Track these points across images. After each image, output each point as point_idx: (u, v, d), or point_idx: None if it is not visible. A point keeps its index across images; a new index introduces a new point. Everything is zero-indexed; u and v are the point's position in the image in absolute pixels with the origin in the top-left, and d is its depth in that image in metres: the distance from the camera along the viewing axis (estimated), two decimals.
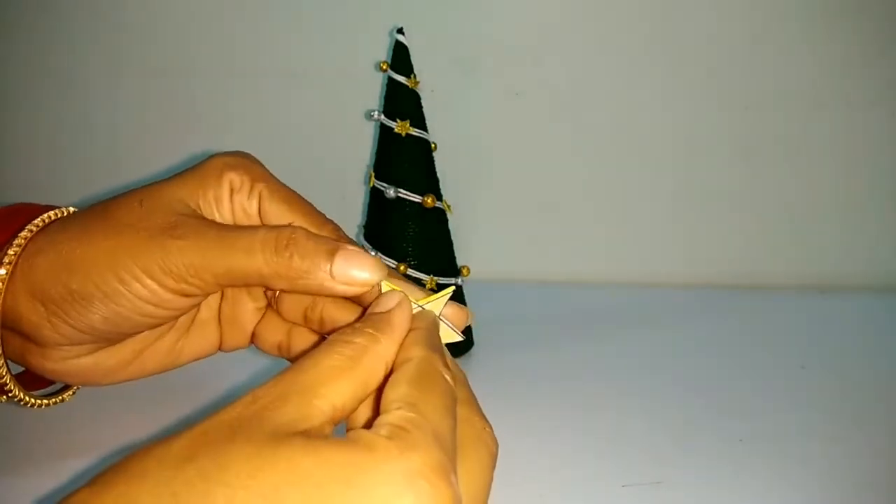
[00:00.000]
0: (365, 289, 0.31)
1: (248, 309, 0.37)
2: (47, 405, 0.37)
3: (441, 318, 0.31)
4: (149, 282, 0.31)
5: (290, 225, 0.33)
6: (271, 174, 0.35)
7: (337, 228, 0.35)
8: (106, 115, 0.70)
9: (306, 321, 0.35)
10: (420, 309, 0.31)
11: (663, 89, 0.65)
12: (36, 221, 0.34)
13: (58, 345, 0.34)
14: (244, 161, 0.35)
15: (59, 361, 0.34)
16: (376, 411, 0.25)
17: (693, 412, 0.44)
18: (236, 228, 0.32)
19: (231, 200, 0.34)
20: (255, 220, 0.34)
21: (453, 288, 0.32)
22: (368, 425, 0.24)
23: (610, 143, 0.67)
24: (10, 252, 0.33)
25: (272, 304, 0.37)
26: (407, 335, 0.28)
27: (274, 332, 0.37)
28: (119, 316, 0.32)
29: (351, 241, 0.33)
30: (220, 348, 0.38)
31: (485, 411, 0.44)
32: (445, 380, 0.27)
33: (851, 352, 0.53)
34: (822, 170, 0.66)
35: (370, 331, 0.27)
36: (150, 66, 0.68)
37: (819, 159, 0.66)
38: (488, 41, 0.66)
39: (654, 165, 0.67)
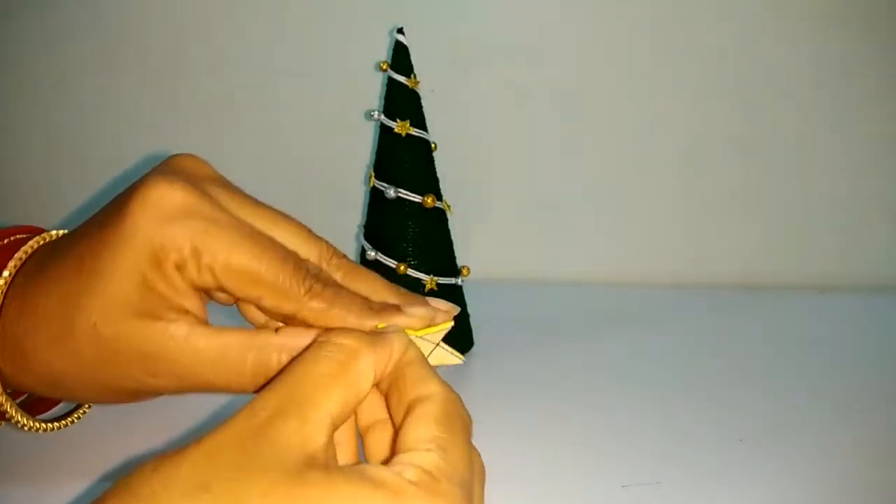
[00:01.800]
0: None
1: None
2: (51, 430, 0.36)
3: (441, 344, 0.32)
4: (138, 384, 0.31)
5: (276, 346, 0.29)
6: (216, 211, 0.29)
7: (309, 279, 0.30)
8: (106, 114, 0.70)
9: None
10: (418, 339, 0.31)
11: (663, 89, 0.65)
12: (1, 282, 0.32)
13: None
14: (178, 225, 0.29)
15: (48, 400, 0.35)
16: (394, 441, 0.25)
17: (693, 412, 0.44)
18: (219, 352, 0.29)
19: (182, 279, 0.29)
20: (218, 287, 0.30)
21: (451, 324, 0.32)
22: (387, 460, 0.24)
23: (610, 143, 0.67)
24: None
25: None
26: (412, 368, 0.27)
27: None
28: (116, 400, 0.33)
29: (333, 253, 0.32)
30: None
31: (484, 411, 0.44)
32: (468, 419, 0.26)
33: (851, 352, 0.53)
34: (822, 170, 0.66)
35: (357, 332, 0.27)
36: (149, 66, 0.68)
37: (819, 159, 0.66)
38: (488, 41, 0.65)
39: (654, 165, 0.67)
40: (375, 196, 0.51)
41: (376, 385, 0.27)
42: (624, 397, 0.46)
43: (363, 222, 0.52)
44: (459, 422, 0.26)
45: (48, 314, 0.30)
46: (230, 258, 0.29)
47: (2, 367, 0.32)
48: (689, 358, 0.52)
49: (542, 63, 0.66)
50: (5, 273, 0.31)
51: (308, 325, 0.30)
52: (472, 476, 0.25)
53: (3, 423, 0.34)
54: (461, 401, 0.27)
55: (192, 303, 0.30)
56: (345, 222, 0.66)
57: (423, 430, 0.24)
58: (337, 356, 0.25)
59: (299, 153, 0.69)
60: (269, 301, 0.29)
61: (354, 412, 0.27)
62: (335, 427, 0.24)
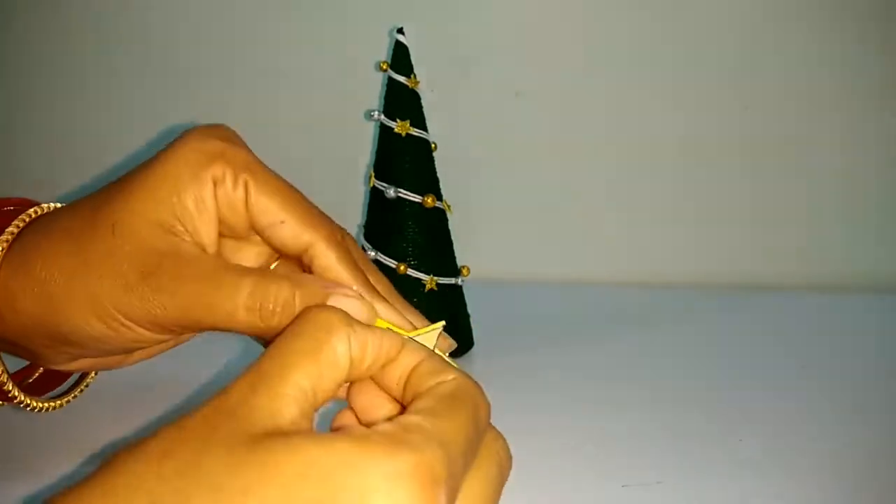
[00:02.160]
0: None
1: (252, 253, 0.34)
2: (53, 408, 0.36)
3: (435, 350, 0.31)
4: (134, 326, 0.31)
5: (281, 276, 0.30)
6: (257, 158, 0.32)
7: (329, 224, 0.32)
8: (105, 114, 0.70)
9: None
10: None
11: (663, 89, 0.65)
12: (5, 235, 0.33)
13: (59, 362, 0.34)
14: (224, 147, 0.31)
15: (65, 364, 0.35)
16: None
17: (693, 412, 0.44)
18: (219, 273, 0.30)
19: (215, 196, 0.31)
20: (242, 215, 0.31)
21: (443, 323, 0.32)
22: None
23: (610, 143, 0.67)
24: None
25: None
26: (428, 362, 0.26)
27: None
28: (109, 348, 0.33)
29: (344, 233, 0.33)
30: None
31: None
32: (481, 403, 0.25)
33: (851, 352, 0.53)
34: (822, 170, 0.66)
35: (336, 309, 0.25)
36: (149, 66, 0.68)
37: (819, 159, 0.66)
38: (488, 41, 0.66)
39: (654, 165, 0.67)
40: (375, 196, 0.51)
41: (378, 379, 0.26)
42: (624, 397, 0.46)
43: (363, 222, 0.52)
44: (467, 400, 0.25)
45: (69, 228, 0.32)
46: (267, 178, 0.31)
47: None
48: (689, 358, 0.52)
49: (542, 63, 0.66)
50: (10, 228, 0.33)
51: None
52: (468, 456, 0.23)
53: (3, 403, 0.35)
54: (480, 389, 0.26)
55: (208, 230, 0.31)
56: (345, 222, 0.66)
57: (423, 401, 0.24)
58: (312, 332, 0.24)
59: (299, 153, 0.69)
60: (291, 227, 0.31)
61: (338, 389, 0.25)
62: (312, 403, 0.23)
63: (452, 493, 0.22)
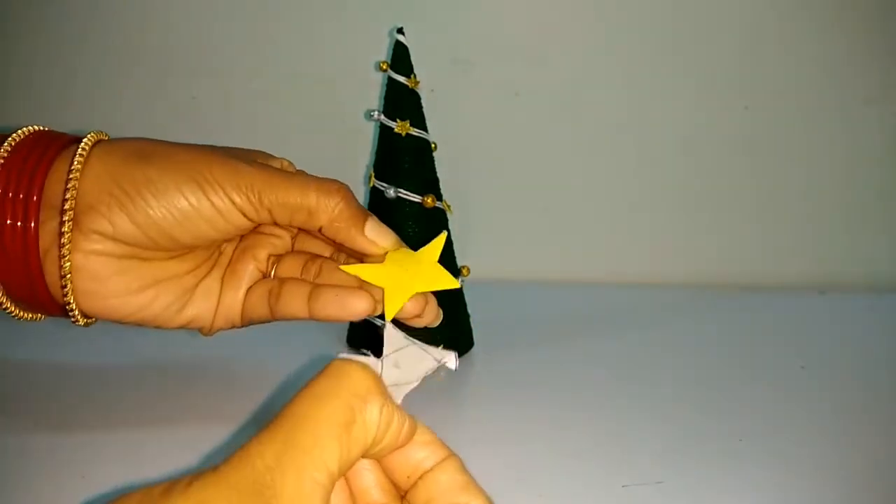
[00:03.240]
0: (380, 251, 0.37)
1: (249, 270, 0.40)
2: (39, 319, 0.38)
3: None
4: (220, 191, 0.35)
5: (337, 180, 0.37)
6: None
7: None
8: (105, 114, 0.70)
9: (303, 272, 0.40)
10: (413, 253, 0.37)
11: (663, 89, 0.65)
12: (94, 133, 0.37)
13: (101, 234, 0.35)
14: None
15: (89, 255, 0.35)
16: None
17: (693, 412, 0.44)
18: (294, 172, 0.38)
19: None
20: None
21: (444, 234, 0.38)
22: None
23: (610, 143, 0.67)
24: (86, 140, 0.36)
25: (267, 275, 0.40)
26: (452, 474, 0.26)
27: (266, 286, 0.39)
28: (181, 216, 0.35)
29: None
30: (213, 320, 0.39)
31: (484, 411, 0.44)
32: None
33: (851, 352, 0.53)
34: (821, 170, 0.66)
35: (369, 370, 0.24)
36: (150, 66, 0.68)
37: (819, 159, 0.66)
38: (488, 41, 0.66)
39: (654, 165, 0.67)
40: (375, 196, 0.51)
41: (386, 462, 0.25)
42: (624, 397, 0.46)
43: None
44: None
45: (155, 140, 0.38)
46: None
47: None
48: (689, 358, 0.52)
49: (542, 63, 0.66)
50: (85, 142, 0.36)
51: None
52: None
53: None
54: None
55: None
56: None
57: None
58: (347, 396, 0.23)
59: (299, 153, 0.69)
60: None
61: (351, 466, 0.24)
62: (334, 482, 0.22)
63: None
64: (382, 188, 0.50)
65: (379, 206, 0.50)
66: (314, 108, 0.68)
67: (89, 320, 0.37)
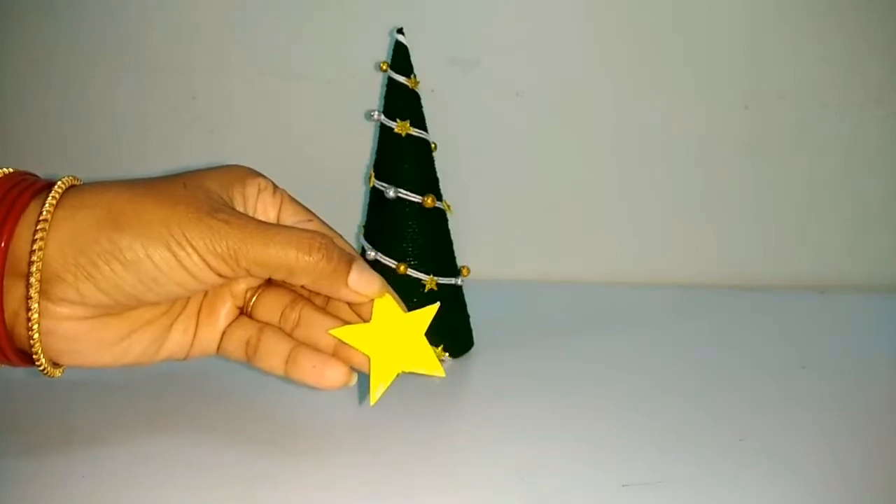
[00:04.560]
0: (367, 300, 0.37)
1: (227, 307, 0.39)
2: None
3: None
4: (194, 254, 0.34)
5: (317, 232, 0.36)
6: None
7: (345, 243, 0.39)
8: (105, 115, 0.70)
9: (281, 320, 0.39)
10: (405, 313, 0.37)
11: (663, 89, 0.66)
12: (65, 179, 0.35)
13: (68, 301, 0.34)
14: (263, 176, 0.39)
15: (60, 320, 0.34)
16: None
17: (693, 412, 0.44)
18: (272, 225, 0.36)
19: (256, 199, 0.38)
20: (273, 216, 0.39)
21: (437, 305, 0.37)
22: None
23: (610, 143, 0.67)
24: (50, 199, 0.34)
25: (245, 311, 0.40)
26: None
27: (244, 331, 0.39)
28: (152, 282, 0.34)
29: (358, 258, 0.38)
30: (188, 352, 0.39)
31: (484, 410, 0.44)
32: None
33: (851, 352, 0.53)
34: (821, 170, 0.66)
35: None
36: (150, 66, 0.68)
37: (819, 159, 0.66)
38: (488, 41, 0.66)
39: (654, 165, 0.67)
40: (375, 196, 0.51)
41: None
42: (624, 397, 0.46)
43: (363, 222, 0.52)
44: None
45: (131, 184, 0.36)
46: (294, 199, 0.40)
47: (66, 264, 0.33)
48: (689, 358, 0.52)
49: (542, 63, 0.66)
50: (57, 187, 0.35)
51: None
52: None
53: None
54: None
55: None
56: (345, 222, 0.66)
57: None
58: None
59: (300, 153, 0.69)
60: (315, 224, 0.40)
61: None
62: None
63: None
64: (382, 188, 0.50)
65: (379, 206, 0.51)
66: (314, 108, 0.68)
67: (60, 369, 0.36)
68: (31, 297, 0.33)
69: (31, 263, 0.33)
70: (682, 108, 0.66)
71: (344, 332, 0.37)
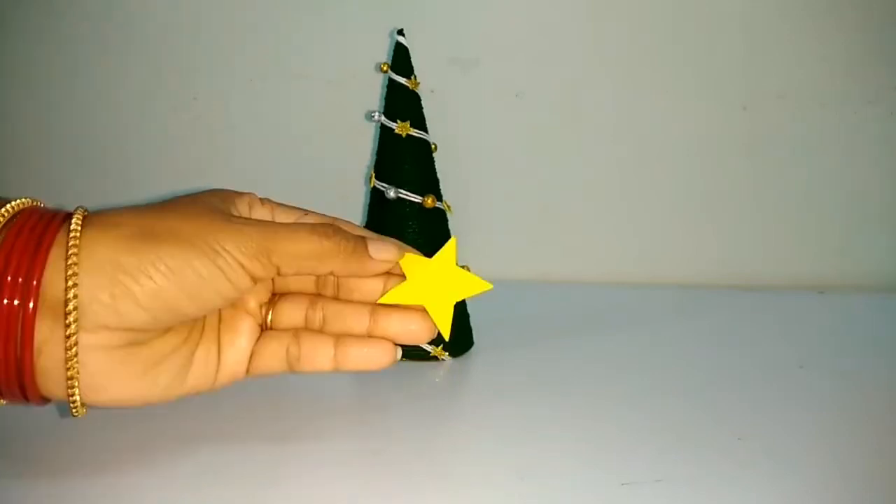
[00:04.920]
0: (392, 264, 0.38)
1: (247, 325, 0.39)
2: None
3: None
4: (230, 258, 0.34)
5: (321, 222, 0.38)
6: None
7: (347, 223, 0.40)
8: (106, 115, 0.70)
9: (307, 323, 0.40)
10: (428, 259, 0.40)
11: (663, 89, 0.66)
12: (80, 209, 0.35)
13: (105, 327, 0.33)
14: (248, 192, 0.40)
15: (90, 352, 0.33)
16: None
17: (693, 411, 0.44)
18: (285, 223, 0.37)
19: (250, 213, 0.38)
20: None
21: (455, 239, 0.40)
22: None
23: (610, 143, 0.67)
24: (73, 227, 0.33)
25: (265, 326, 0.40)
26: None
27: (279, 343, 0.39)
28: (194, 290, 0.34)
29: (364, 231, 0.39)
30: (215, 379, 0.38)
31: (484, 410, 0.44)
32: None
33: (851, 352, 0.53)
34: (821, 170, 0.66)
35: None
36: (150, 66, 0.69)
37: (818, 159, 0.66)
38: (488, 41, 0.66)
39: (654, 165, 0.67)
40: (376, 196, 0.51)
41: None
42: (624, 396, 0.46)
43: (363, 222, 0.52)
44: None
45: (140, 209, 0.36)
46: (284, 204, 0.40)
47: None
48: (689, 357, 0.52)
49: (542, 64, 0.66)
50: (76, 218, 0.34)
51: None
52: None
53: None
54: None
55: None
56: None
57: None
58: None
59: (300, 154, 0.69)
60: (313, 216, 0.40)
61: None
62: None
63: None
64: (383, 188, 0.50)
65: (379, 207, 0.51)
66: (314, 108, 0.68)
67: (85, 407, 0.35)
68: (69, 327, 0.32)
69: (67, 294, 0.32)
70: (681, 108, 0.66)
71: (391, 296, 0.39)
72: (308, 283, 0.41)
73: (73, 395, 0.34)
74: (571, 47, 0.65)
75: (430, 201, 0.50)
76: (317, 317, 0.40)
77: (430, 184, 0.51)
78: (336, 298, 0.40)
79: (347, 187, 0.68)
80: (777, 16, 0.64)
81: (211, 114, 0.69)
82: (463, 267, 0.52)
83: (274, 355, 0.39)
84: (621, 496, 0.35)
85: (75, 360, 0.33)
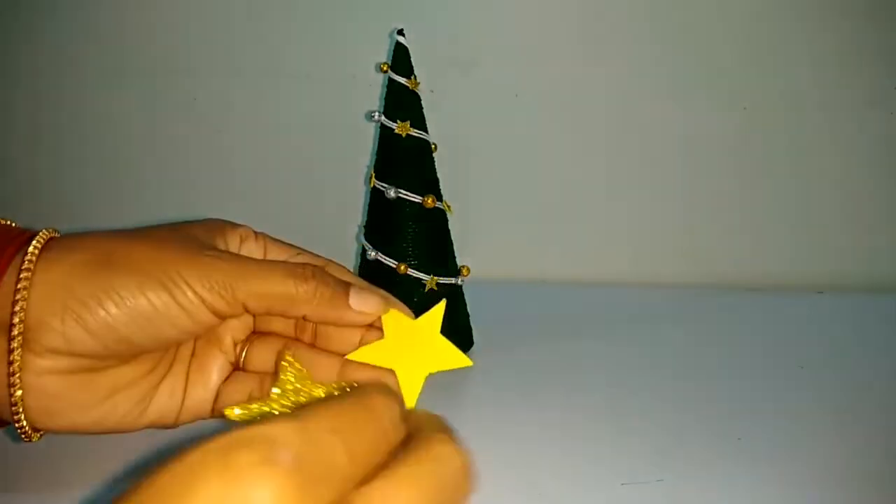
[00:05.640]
0: (373, 318, 0.36)
1: (219, 363, 0.38)
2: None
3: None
4: (189, 290, 0.33)
5: (308, 263, 0.36)
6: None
7: (340, 267, 0.38)
8: (106, 115, 0.70)
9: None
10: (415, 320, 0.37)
11: (663, 89, 0.66)
12: (45, 231, 0.34)
13: (52, 351, 0.32)
14: (243, 225, 0.39)
15: (41, 375, 0.32)
16: None
17: (693, 411, 0.44)
18: (263, 260, 0.36)
19: (240, 247, 0.37)
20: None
21: (444, 302, 0.37)
22: None
23: (609, 144, 0.67)
24: (32, 248, 0.33)
25: (238, 365, 0.38)
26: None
27: (244, 385, 0.37)
28: (146, 322, 0.32)
29: (355, 278, 0.37)
30: (178, 416, 0.37)
31: (483, 410, 0.44)
32: (384, 420, 0.22)
33: (851, 352, 0.53)
34: (821, 170, 0.66)
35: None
36: (150, 67, 0.69)
37: (819, 159, 0.66)
38: (488, 42, 0.66)
39: (654, 165, 0.67)
40: (376, 196, 0.51)
41: None
42: (624, 396, 0.46)
43: (364, 222, 0.52)
44: (357, 393, 0.22)
45: (115, 232, 0.35)
46: (279, 240, 0.39)
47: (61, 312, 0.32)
48: (688, 357, 0.52)
49: (541, 64, 0.66)
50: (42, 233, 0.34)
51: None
52: (350, 468, 0.20)
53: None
54: (385, 391, 0.23)
55: None
56: (345, 222, 0.66)
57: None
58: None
59: (301, 154, 0.69)
60: (305, 257, 0.38)
61: None
62: None
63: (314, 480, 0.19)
64: (383, 188, 0.50)
65: (379, 207, 0.51)
66: (314, 108, 0.68)
67: (39, 434, 0.35)
68: (13, 349, 0.31)
69: (13, 314, 0.31)
70: (681, 108, 0.66)
71: (361, 354, 0.36)
72: (288, 325, 0.39)
73: (18, 419, 0.33)
74: (571, 48, 0.65)
75: (430, 201, 0.50)
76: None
77: (429, 184, 0.51)
78: (312, 345, 0.38)
79: (347, 187, 0.68)
80: (777, 16, 0.64)
81: (211, 114, 0.69)
82: (462, 268, 0.53)
83: (239, 398, 0.37)
84: (621, 496, 0.36)
85: (19, 383, 0.32)
